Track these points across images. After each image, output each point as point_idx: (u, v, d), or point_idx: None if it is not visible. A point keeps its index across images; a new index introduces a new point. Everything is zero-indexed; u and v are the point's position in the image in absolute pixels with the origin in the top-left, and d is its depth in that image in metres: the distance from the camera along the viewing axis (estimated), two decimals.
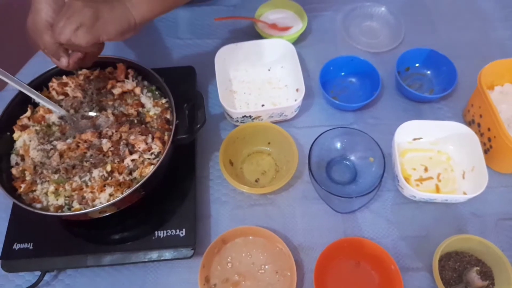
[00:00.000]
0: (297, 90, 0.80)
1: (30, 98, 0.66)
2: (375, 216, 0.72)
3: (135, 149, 0.63)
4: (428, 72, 0.86)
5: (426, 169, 0.75)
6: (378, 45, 0.92)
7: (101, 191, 0.60)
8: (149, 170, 0.61)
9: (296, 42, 0.90)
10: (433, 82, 0.85)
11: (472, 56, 0.87)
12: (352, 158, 0.76)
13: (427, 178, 0.74)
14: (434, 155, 0.76)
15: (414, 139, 0.76)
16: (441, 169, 0.75)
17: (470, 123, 0.78)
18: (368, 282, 0.65)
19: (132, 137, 0.63)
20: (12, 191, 0.61)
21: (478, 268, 0.64)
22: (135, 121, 0.67)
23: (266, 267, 0.67)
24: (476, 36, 0.92)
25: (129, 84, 0.69)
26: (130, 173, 0.62)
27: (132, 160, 0.62)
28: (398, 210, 0.72)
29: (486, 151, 0.73)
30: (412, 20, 0.95)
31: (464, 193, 0.70)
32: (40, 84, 0.69)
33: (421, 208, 0.72)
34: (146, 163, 0.62)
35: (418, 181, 0.74)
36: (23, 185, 0.62)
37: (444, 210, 0.71)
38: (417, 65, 0.86)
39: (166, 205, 0.68)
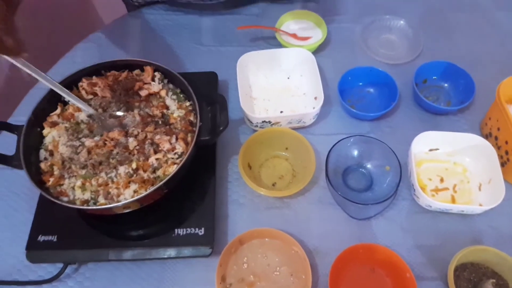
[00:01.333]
0: (315, 98, 0.82)
1: (60, 96, 0.69)
2: (390, 224, 0.72)
3: (160, 148, 0.65)
4: (446, 84, 0.87)
5: (442, 180, 0.75)
6: (396, 57, 0.93)
7: (126, 188, 0.62)
8: (172, 169, 0.63)
9: (315, 52, 0.92)
10: (451, 95, 0.86)
11: (490, 69, 0.88)
12: (369, 166, 0.77)
13: (443, 189, 0.74)
14: (450, 166, 0.77)
15: (431, 150, 0.77)
16: (457, 180, 0.75)
17: (487, 136, 0.78)
18: None
19: (157, 136, 0.65)
20: (40, 184, 0.64)
21: (494, 280, 0.64)
22: (160, 122, 0.69)
23: (281, 269, 0.68)
24: (495, 49, 0.93)
25: (155, 87, 0.72)
26: (154, 171, 0.64)
27: (157, 159, 0.64)
28: (413, 219, 0.73)
29: (503, 164, 0.74)
30: (430, 33, 0.96)
31: (480, 205, 0.70)
32: (71, 83, 0.72)
33: (437, 218, 0.72)
34: (169, 162, 0.64)
35: (433, 191, 0.74)
36: (51, 179, 0.64)
37: (460, 221, 0.72)
38: (434, 77, 0.87)
39: (186, 204, 0.70)
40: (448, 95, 0.86)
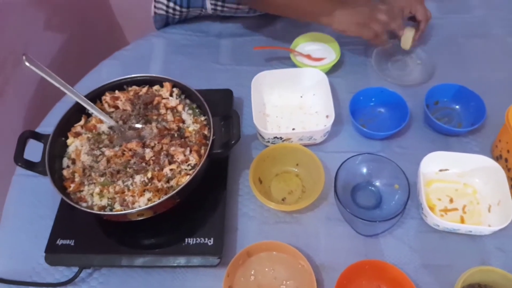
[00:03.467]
0: (327, 116, 0.85)
1: (84, 108, 0.74)
2: (398, 242, 0.73)
3: (174, 159, 0.68)
4: (457, 106, 0.88)
5: (451, 200, 0.76)
6: (408, 79, 0.95)
7: (141, 196, 0.66)
8: (185, 180, 0.66)
9: (329, 72, 0.95)
10: (462, 117, 0.87)
11: (501, 93, 0.89)
12: (377, 184, 0.78)
13: (452, 209, 0.75)
14: (460, 187, 0.77)
15: (441, 170, 0.78)
16: (466, 201, 0.75)
17: (497, 158, 0.79)
18: None
19: (172, 148, 0.69)
20: (62, 190, 0.68)
21: None
22: (175, 135, 0.73)
23: (288, 282, 0.69)
24: (507, 74, 0.94)
25: (173, 101, 0.76)
26: (168, 181, 0.67)
27: (171, 170, 0.68)
28: (421, 238, 0.73)
29: None
30: (443, 58, 0.98)
31: (489, 226, 0.70)
32: (95, 96, 0.77)
33: (445, 238, 0.72)
34: (183, 173, 0.68)
35: (443, 211, 0.75)
36: (72, 185, 0.68)
37: (468, 242, 0.72)
38: (446, 99, 0.88)
39: (197, 215, 0.73)
40: (459, 117, 0.87)
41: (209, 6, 1.02)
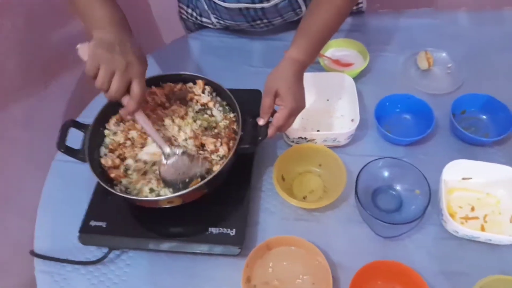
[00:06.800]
0: (352, 120, 0.86)
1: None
2: (416, 247, 0.74)
3: (205, 148, 0.72)
4: (484, 117, 0.88)
5: (472, 209, 0.76)
6: (436, 88, 0.95)
7: None
8: (215, 169, 0.70)
9: (356, 78, 0.97)
10: (489, 127, 0.86)
11: None
12: (398, 188, 0.79)
13: (473, 218, 0.75)
14: (483, 197, 0.77)
15: (464, 179, 0.78)
16: (488, 211, 0.75)
17: None
18: None
19: (204, 137, 0.73)
20: (99, 175, 0.73)
21: None
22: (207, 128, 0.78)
23: (304, 277, 0.71)
24: None
25: (205, 98, 0.80)
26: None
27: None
28: (440, 244, 0.74)
29: None
30: (472, 69, 0.98)
31: (510, 236, 0.70)
32: None
33: (465, 245, 0.73)
34: (213, 162, 0.71)
35: (463, 219, 0.75)
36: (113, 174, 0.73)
37: (488, 251, 0.72)
38: (473, 109, 0.88)
39: (222, 207, 0.76)
40: (486, 127, 0.87)
41: (214, 19, 1.06)
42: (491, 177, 0.76)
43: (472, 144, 0.85)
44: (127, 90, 0.65)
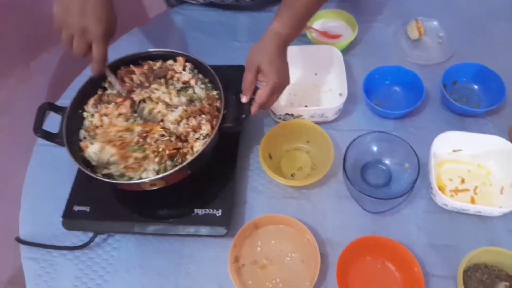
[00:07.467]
0: (340, 94, 0.84)
1: (100, 82, 0.76)
2: (406, 221, 0.73)
3: (187, 122, 0.70)
4: (476, 86, 0.85)
5: (463, 181, 0.75)
6: (427, 58, 0.93)
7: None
8: (198, 144, 0.68)
9: (345, 50, 0.93)
10: (480, 97, 0.84)
11: None
12: (387, 162, 0.77)
13: (463, 190, 0.74)
14: (473, 169, 0.76)
15: (454, 151, 0.76)
16: (479, 182, 0.74)
17: None
18: (391, 282, 0.67)
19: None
20: (78, 159, 0.71)
21: (507, 283, 0.63)
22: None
23: (293, 255, 0.70)
24: None
25: (186, 76, 0.77)
26: (181, 141, 0.69)
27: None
28: (429, 217, 0.73)
29: None
30: (465, 37, 0.95)
31: (500, 207, 0.69)
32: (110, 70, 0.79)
33: (454, 218, 0.72)
34: (195, 138, 0.69)
35: (453, 192, 0.74)
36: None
37: (477, 223, 0.71)
38: (464, 79, 0.86)
39: (207, 187, 0.75)
40: (477, 98, 0.85)
41: None
42: (482, 148, 0.75)
43: (463, 115, 0.83)
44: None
